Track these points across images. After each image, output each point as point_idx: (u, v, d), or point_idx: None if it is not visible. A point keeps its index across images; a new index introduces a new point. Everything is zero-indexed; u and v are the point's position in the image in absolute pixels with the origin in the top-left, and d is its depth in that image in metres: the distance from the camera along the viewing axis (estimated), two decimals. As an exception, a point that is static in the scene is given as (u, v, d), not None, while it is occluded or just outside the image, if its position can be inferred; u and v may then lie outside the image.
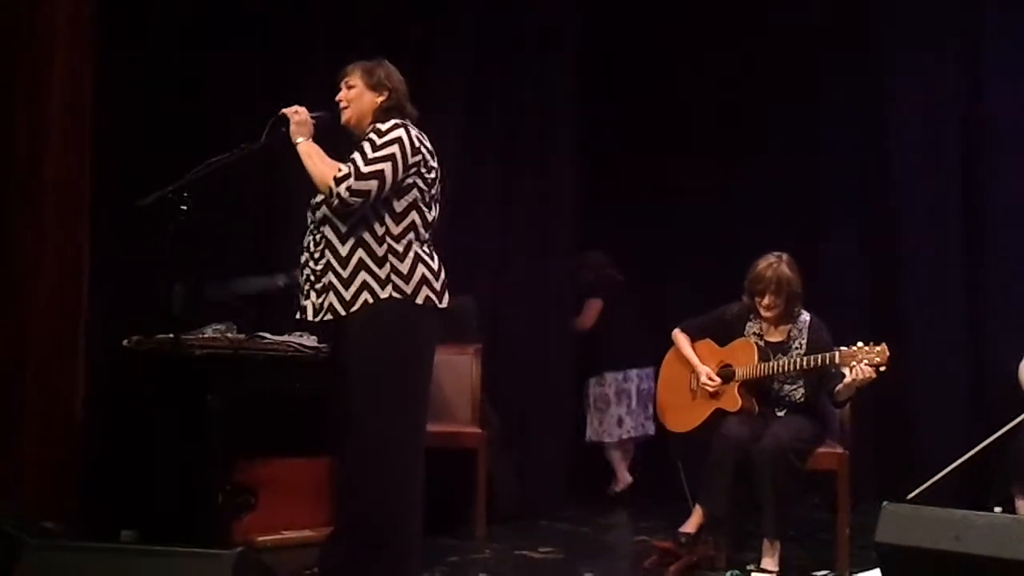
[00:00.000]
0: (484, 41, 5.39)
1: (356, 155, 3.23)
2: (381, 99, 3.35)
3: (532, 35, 5.50)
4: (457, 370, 4.85)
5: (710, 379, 4.15)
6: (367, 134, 3.29)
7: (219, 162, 3.27)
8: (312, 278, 3.29)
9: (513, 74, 5.47)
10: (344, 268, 3.23)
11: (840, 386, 3.93)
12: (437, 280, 3.30)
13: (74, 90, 4.18)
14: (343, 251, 3.23)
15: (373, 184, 3.18)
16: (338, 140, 3.41)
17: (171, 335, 3.37)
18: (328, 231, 3.25)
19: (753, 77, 5.72)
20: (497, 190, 5.44)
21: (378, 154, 3.21)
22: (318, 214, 3.28)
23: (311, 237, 3.31)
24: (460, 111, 5.26)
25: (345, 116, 3.37)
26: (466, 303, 5.13)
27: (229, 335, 4.13)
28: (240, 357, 3.96)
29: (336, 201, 3.18)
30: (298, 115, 3.30)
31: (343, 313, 3.22)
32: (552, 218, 5.50)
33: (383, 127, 3.28)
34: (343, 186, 3.16)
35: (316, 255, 3.27)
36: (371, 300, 3.21)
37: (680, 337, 4.32)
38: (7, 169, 4.11)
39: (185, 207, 3.12)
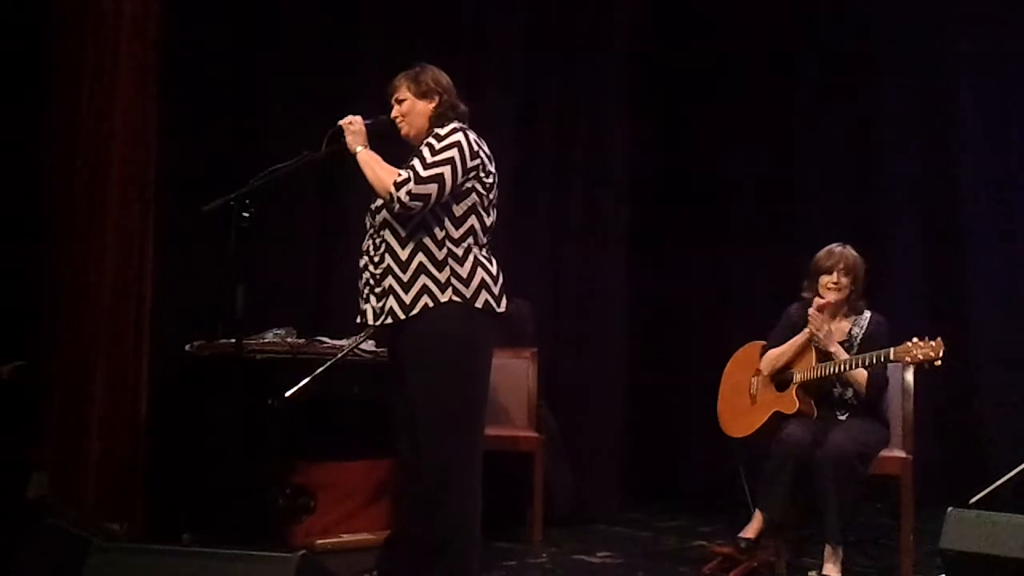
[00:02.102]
0: (536, 45, 5.41)
1: (415, 160, 3.25)
2: (433, 105, 3.37)
3: (583, 38, 5.51)
4: (514, 374, 4.85)
5: (819, 309, 4.05)
6: (426, 139, 3.31)
7: (280, 170, 3.31)
8: (372, 282, 3.31)
9: (565, 77, 5.48)
10: (404, 272, 3.24)
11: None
12: (496, 284, 3.31)
13: (139, 93, 4.26)
14: (403, 255, 3.25)
15: (433, 188, 3.20)
16: (395, 143, 3.44)
17: (232, 339, 3.41)
18: (388, 235, 3.27)
19: (808, 70, 5.66)
20: (551, 194, 5.45)
21: (437, 158, 3.23)
22: (378, 219, 3.30)
23: (370, 241, 3.34)
24: (513, 112, 5.28)
25: (404, 131, 3.40)
26: (522, 307, 5.14)
27: (289, 339, 4.18)
28: (299, 361, 4.01)
29: (397, 206, 3.20)
30: (353, 125, 3.33)
31: (403, 316, 3.24)
32: (605, 222, 5.50)
33: (442, 131, 3.30)
34: (403, 190, 3.18)
35: (376, 259, 3.30)
36: (431, 304, 3.22)
37: (770, 352, 4.21)
38: (72, 176, 4.19)
39: (247, 214, 3.15)
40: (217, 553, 2.51)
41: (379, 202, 3.29)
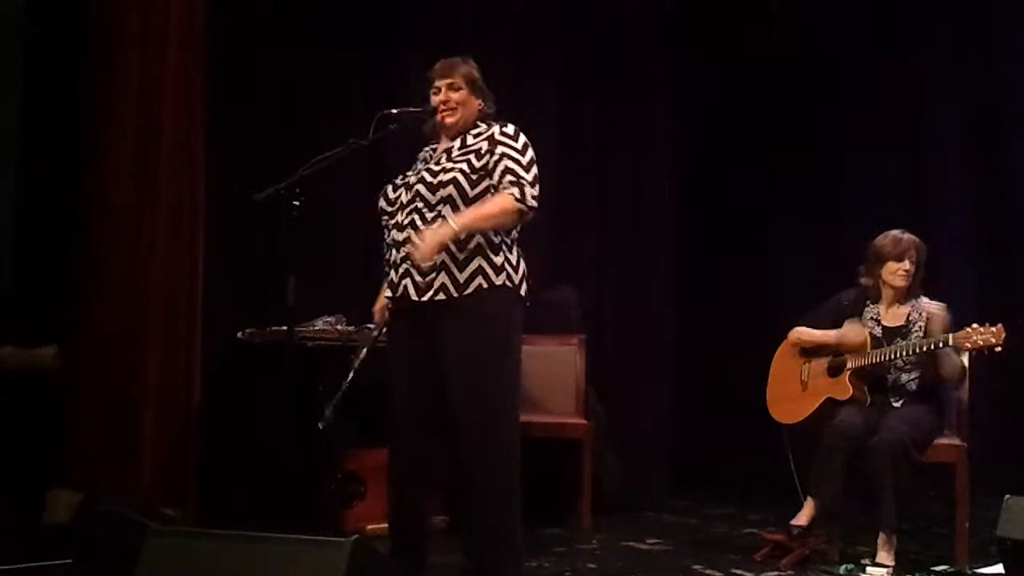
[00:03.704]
0: (578, 36, 5.40)
1: (514, 167, 3.27)
2: (480, 104, 3.40)
3: (626, 28, 5.48)
4: (561, 361, 4.85)
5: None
6: (485, 135, 3.34)
7: (329, 158, 3.32)
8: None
9: (609, 61, 5.46)
10: (461, 251, 3.24)
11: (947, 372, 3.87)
12: (527, 277, 3.40)
13: (187, 85, 4.31)
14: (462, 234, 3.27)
15: (537, 189, 3.30)
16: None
17: (283, 327, 3.43)
18: (449, 212, 3.25)
19: (858, 58, 5.58)
20: (597, 181, 5.44)
21: (527, 159, 3.30)
22: (440, 193, 3.26)
23: (415, 216, 3.27)
24: (557, 99, 5.28)
25: (452, 119, 3.37)
26: (569, 294, 5.15)
27: (339, 327, 4.21)
28: (349, 348, 4.03)
29: (531, 214, 3.28)
30: (433, 238, 3.19)
31: (455, 295, 3.24)
32: (651, 208, 5.48)
33: (508, 130, 3.35)
34: (528, 198, 3.24)
35: None
36: (485, 285, 3.24)
37: (803, 330, 4.20)
38: (123, 167, 4.25)
39: (297, 203, 3.17)
40: (272, 538, 2.54)
41: (444, 177, 3.26)
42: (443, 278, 3.25)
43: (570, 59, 5.41)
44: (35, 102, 4.30)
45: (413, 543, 3.44)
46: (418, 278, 3.26)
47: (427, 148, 3.50)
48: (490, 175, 3.28)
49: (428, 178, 3.31)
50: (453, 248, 3.23)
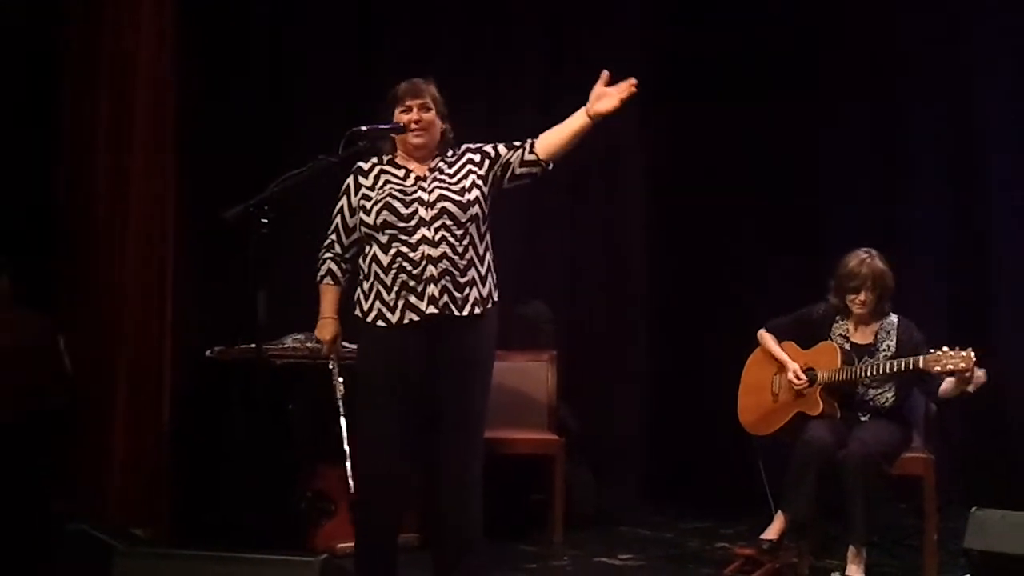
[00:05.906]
0: (556, 40, 5.42)
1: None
2: (443, 129, 3.45)
3: (606, 35, 5.50)
4: (533, 376, 4.86)
5: (797, 376, 4.08)
6: (462, 154, 3.44)
7: (297, 175, 3.31)
8: (454, 270, 3.31)
9: (584, 60, 5.45)
10: (482, 266, 3.38)
11: (946, 387, 3.86)
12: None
13: (159, 99, 4.29)
14: (480, 250, 3.39)
15: None
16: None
17: (253, 345, 3.42)
18: (473, 230, 3.36)
19: (831, 69, 5.62)
20: (569, 191, 5.44)
21: None
22: (470, 212, 3.35)
23: (445, 232, 3.31)
24: (532, 108, 5.27)
25: (420, 140, 3.39)
26: (540, 308, 5.15)
27: (308, 344, 4.19)
28: (319, 366, 4.02)
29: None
30: None
31: (479, 311, 3.34)
32: (624, 223, 5.48)
33: (470, 144, 3.47)
34: None
35: (460, 249, 3.33)
36: (494, 301, 3.40)
37: (766, 336, 4.25)
38: (93, 182, 4.23)
39: (266, 220, 3.16)
40: (240, 557, 2.53)
41: (470, 196, 3.34)
42: (474, 293, 3.35)
43: (546, 67, 5.40)
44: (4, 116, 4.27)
45: (383, 561, 3.43)
46: (456, 293, 3.31)
47: (380, 164, 3.44)
48: (494, 163, 3.41)
49: (454, 196, 3.35)
50: (478, 263, 3.36)
